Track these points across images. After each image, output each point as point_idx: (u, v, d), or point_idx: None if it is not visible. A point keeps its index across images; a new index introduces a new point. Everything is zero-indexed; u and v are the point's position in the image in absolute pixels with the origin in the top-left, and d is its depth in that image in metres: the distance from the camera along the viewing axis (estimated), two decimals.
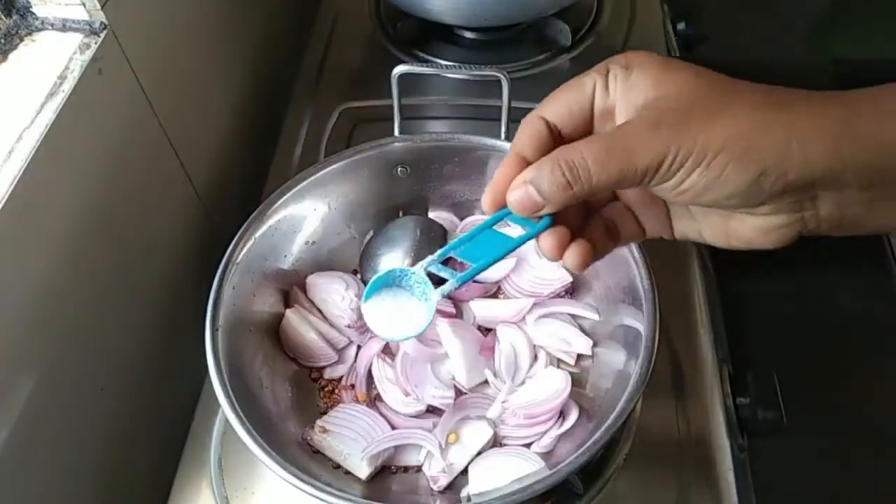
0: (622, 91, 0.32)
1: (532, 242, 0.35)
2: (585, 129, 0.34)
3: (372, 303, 0.39)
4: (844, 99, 0.30)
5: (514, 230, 0.36)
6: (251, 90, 0.77)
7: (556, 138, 0.33)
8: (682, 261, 0.64)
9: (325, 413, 0.54)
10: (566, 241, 0.33)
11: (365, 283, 0.60)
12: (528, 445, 0.52)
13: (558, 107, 0.33)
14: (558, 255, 0.34)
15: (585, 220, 0.36)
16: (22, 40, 0.49)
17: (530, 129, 0.33)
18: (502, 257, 0.36)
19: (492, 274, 0.60)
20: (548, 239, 0.33)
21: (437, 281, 0.38)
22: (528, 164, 0.33)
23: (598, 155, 0.30)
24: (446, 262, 0.37)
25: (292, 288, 0.59)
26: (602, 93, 0.32)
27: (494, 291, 0.61)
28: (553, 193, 0.31)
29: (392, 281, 0.39)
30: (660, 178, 0.29)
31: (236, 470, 0.55)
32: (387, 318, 0.39)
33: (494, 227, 0.36)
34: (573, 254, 0.33)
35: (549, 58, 0.80)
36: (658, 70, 0.31)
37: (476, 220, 0.63)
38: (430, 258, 0.37)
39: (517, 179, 0.32)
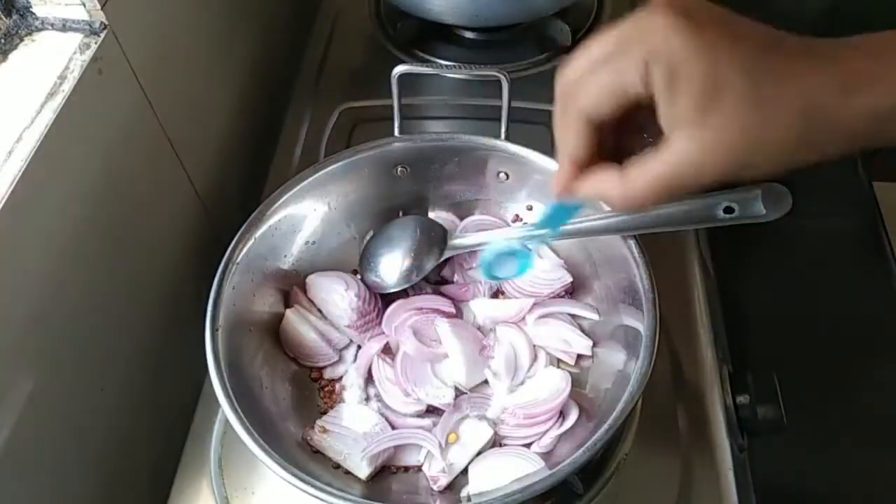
0: (665, 97, 0.33)
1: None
2: (623, 111, 0.35)
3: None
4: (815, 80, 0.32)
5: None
6: (251, 90, 0.77)
7: (598, 129, 0.37)
8: (682, 261, 0.64)
9: (325, 413, 0.54)
10: None
11: (365, 283, 0.60)
12: (528, 445, 0.52)
13: (598, 102, 0.35)
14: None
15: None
16: (22, 40, 0.49)
17: (577, 136, 0.37)
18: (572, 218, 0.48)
19: None
20: None
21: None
22: (581, 166, 0.38)
23: (656, 191, 0.36)
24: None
25: (292, 288, 0.59)
26: (643, 87, 0.33)
27: (494, 291, 0.61)
28: (617, 207, 0.38)
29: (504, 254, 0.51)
30: None
31: (236, 470, 0.55)
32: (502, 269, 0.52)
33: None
34: None
35: (549, 58, 0.80)
36: (702, 95, 0.32)
37: (475, 219, 0.63)
38: (523, 232, 0.51)
39: (588, 188, 0.39)
